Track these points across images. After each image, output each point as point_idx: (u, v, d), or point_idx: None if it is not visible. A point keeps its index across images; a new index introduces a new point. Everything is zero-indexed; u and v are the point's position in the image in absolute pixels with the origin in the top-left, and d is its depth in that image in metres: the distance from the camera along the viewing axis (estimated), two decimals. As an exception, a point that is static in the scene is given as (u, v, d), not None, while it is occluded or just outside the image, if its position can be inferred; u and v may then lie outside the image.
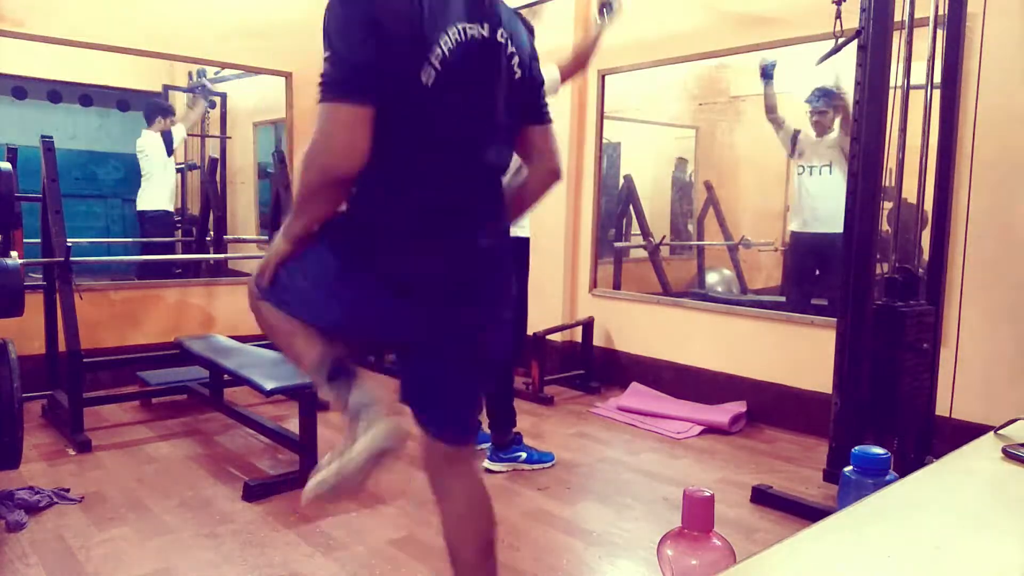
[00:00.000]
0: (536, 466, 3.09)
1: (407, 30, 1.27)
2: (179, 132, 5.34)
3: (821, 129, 4.12)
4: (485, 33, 1.36)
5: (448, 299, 1.44)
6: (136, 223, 5.63)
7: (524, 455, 3.09)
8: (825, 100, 4.07)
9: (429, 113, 1.32)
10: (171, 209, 5.44)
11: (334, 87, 1.26)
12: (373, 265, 1.39)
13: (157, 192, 5.31)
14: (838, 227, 3.98)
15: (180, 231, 5.86)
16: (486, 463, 3.09)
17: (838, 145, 4.06)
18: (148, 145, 5.29)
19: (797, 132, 4.28)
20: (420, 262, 1.40)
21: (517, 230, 3.01)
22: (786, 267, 4.63)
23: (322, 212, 1.37)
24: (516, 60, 1.43)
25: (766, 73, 4.20)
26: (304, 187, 1.34)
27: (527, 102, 1.51)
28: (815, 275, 4.24)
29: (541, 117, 1.56)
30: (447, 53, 1.29)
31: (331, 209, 1.37)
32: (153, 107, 5.34)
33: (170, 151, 5.28)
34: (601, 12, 2.90)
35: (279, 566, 2.23)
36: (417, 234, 1.39)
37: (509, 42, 1.41)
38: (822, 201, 4.12)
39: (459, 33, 1.31)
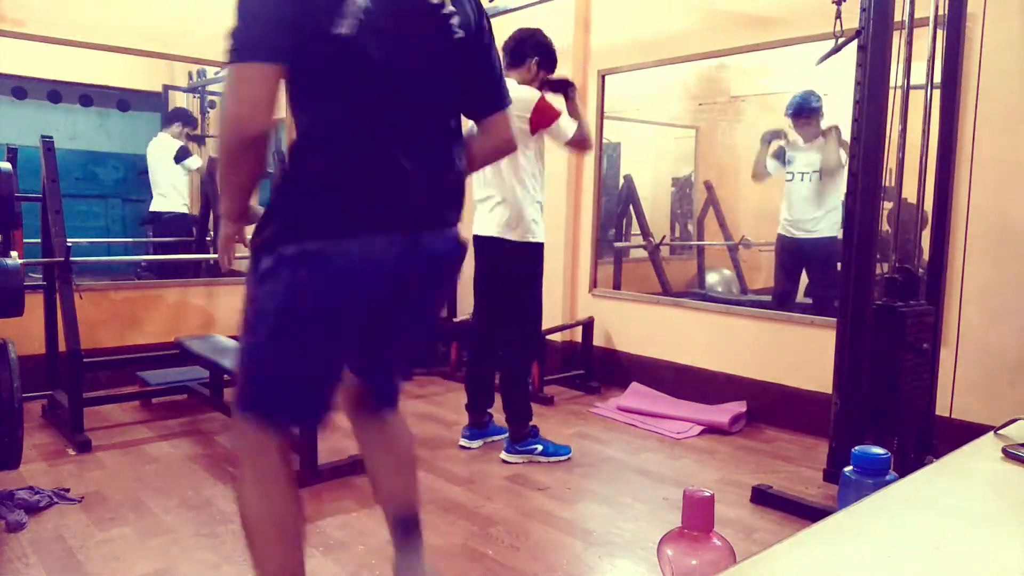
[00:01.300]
0: (552, 458, 3.11)
1: None
2: (194, 162, 5.34)
3: (808, 134, 4.13)
4: None
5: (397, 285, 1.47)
6: (139, 223, 5.64)
7: (540, 447, 3.12)
8: (806, 108, 4.08)
9: (355, 60, 1.32)
10: (186, 212, 5.44)
11: (241, 49, 1.28)
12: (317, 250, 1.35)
13: (165, 197, 5.33)
14: (823, 232, 4.08)
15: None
16: (503, 455, 3.12)
17: (826, 148, 4.06)
18: (159, 148, 5.30)
19: (781, 149, 4.31)
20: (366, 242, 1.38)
21: (528, 235, 3.03)
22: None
23: (245, 181, 1.37)
24: (456, 20, 1.43)
25: (779, 155, 4.31)
26: (223, 155, 1.34)
27: (478, 80, 1.53)
28: (797, 278, 4.27)
29: (501, 102, 1.59)
30: (364, 3, 1.30)
31: (252, 177, 1.36)
32: (176, 114, 5.36)
33: (177, 160, 5.28)
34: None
35: (279, 566, 2.22)
36: (356, 203, 1.36)
37: (447, 2, 1.42)
38: (809, 207, 4.14)
39: None
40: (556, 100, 3.15)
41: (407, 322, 1.61)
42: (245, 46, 1.27)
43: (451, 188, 1.53)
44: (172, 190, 5.31)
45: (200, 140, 5.64)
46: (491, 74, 1.57)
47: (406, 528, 1.75)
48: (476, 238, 3.13)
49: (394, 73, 1.37)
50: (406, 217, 1.43)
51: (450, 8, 1.43)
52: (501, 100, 1.61)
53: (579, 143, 3.12)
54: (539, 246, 3.13)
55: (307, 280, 1.35)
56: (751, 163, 4.53)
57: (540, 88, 3.12)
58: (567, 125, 3.07)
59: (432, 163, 1.46)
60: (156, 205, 5.34)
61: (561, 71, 4.33)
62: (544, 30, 3.18)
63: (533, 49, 3.09)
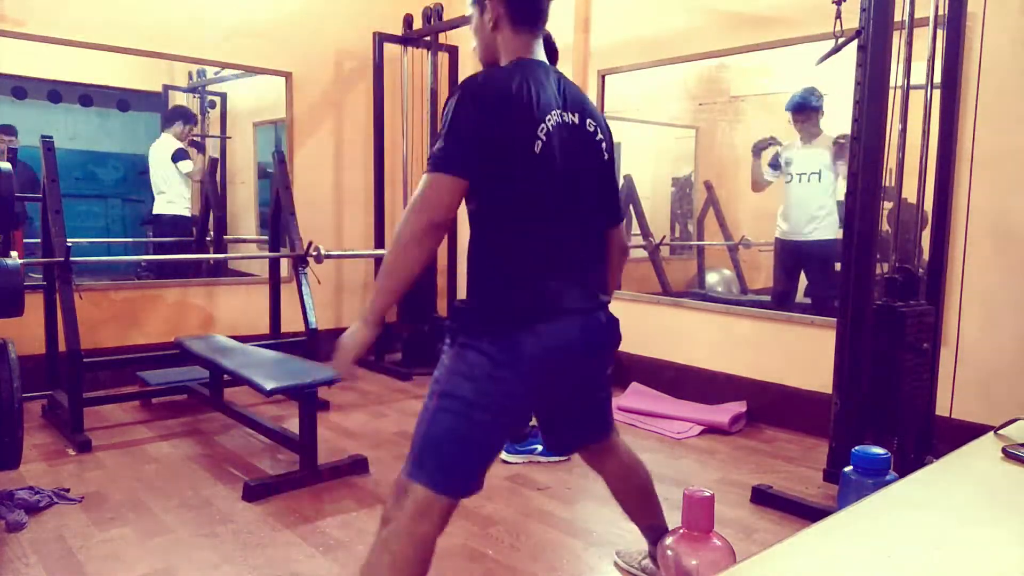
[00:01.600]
0: (552, 458, 3.11)
1: (521, 115, 1.56)
2: (187, 166, 5.31)
3: (807, 132, 4.10)
4: (576, 120, 1.67)
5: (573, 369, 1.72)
6: (140, 223, 5.64)
7: (540, 447, 3.12)
8: (809, 103, 4.07)
9: (540, 180, 1.59)
10: (187, 214, 5.43)
11: (443, 163, 1.52)
12: (518, 345, 1.58)
13: (172, 197, 5.32)
14: (822, 235, 4.08)
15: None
16: (503, 455, 3.12)
17: (828, 148, 4.04)
18: (161, 149, 5.30)
19: (776, 156, 4.31)
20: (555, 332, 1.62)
21: None
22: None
23: (406, 275, 1.56)
24: (604, 145, 1.76)
25: (774, 163, 4.31)
26: (395, 246, 1.55)
27: (610, 195, 1.81)
28: (797, 278, 4.27)
29: (619, 216, 1.88)
30: (551, 129, 1.59)
31: (413, 274, 1.56)
32: (175, 112, 5.34)
33: (174, 159, 5.26)
34: None
35: (279, 566, 2.23)
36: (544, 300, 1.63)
37: (597, 130, 1.74)
38: (808, 210, 4.13)
39: (558, 116, 1.62)
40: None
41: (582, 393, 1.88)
42: (445, 160, 1.52)
43: (601, 278, 1.79)
44: (174, 192, 5.31)
45: (200, 147, 5.62)
46: (616, 190, 1.87)
47: (655, 536, 2.04)
48: None
49: (569, 182, 1.64)
50: (577, 303, 1.68)
51: (600, 135, 1.74)
52: (619, 214, 1.88)
53: None
54: None
55: (515, 370, 1.58)
56: (751, 163, 4.53)
57: None
58: None
59: (592, 260, 1.75)
60: (158, 208, 5.35)
61: (561, 70, 4.32)
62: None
63: None
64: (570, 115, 1.66)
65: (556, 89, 1.66)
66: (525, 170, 1.57)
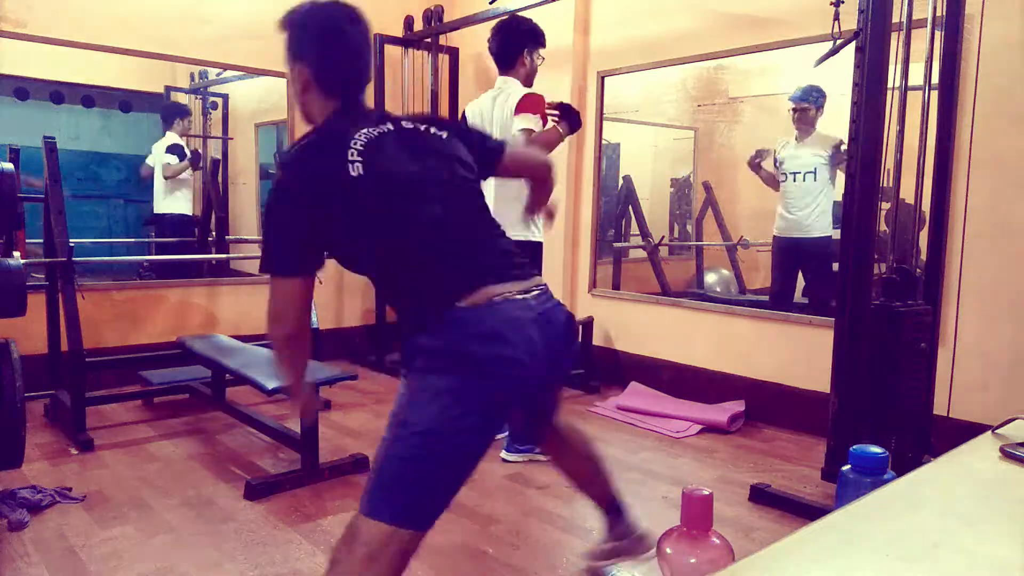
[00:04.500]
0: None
1: (327, 167, 1.49)
2: (173, 161, 5.31)
3: (803, 130, 4.13)
4: (390, 127, 1.58)
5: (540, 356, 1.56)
6: (141, 223, 5.64)
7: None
8: (811, 97, 4.09)
9: (380, 197, 1.50)
10: (189, 213, 5.45)
11: (270, 264, 1.50)
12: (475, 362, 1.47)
13: (175, 197, 5.33)
14: (818, 232, 4.09)
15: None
16: (503, 454, 3.13)
17: (826, 145, 4.07)
18: (158, 149, 5.31)
19: (774, 155, 4.33)
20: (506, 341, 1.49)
21: (528, 235, 3.05)
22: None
23: (295, 364, 1.62)
24: (432, 128, 1.64)
25: (776, 163, 4.33)
26: (274, 348, 1.61)
27: (474, 154, 1.70)
28: (795, 275, 4.28)
29: (492, 157, 1.80)
30: (361, 148, 1.50)
31: (301, 361, 1.62)
32: (169, 109, 5.35)
33: (181, 157, 5.29)
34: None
35: (281, 564, 2.24)
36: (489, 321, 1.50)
37: (417, 124, 1.63)
38: (803, 208, 4.15)
39: (367, 132, 1.53)
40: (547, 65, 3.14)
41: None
42: (276, 263, 1.49)
43: (505, 249, 1.66)
44: (176, 191, 5.32)
45: (196, 159, 5.61)
46: (475, 141, 1.75)
47: (611, 508, 2.04)
48: None
49: (412, 184, 1.54)
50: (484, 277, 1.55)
51: (423, 126, 1.64)
52: (493, 154, 1.80)
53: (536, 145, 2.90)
54: (539, 245, 3.14)
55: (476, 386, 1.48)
56: (758, 174, 4.55)
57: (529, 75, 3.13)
58: (522, 122, 2.96)
59: (481, 235, 1.63)
60: (160, 207, 5.35)
61: (561, 72, 4.35)
62: (539, 24, 3.17)
63: (518, 41, 3.09)
64: (386, 125, 1.57)
65: (367, 116, 1.59)
66: (357, 200, 1.48)
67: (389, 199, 1.51)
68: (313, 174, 1.49)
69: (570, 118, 3.04)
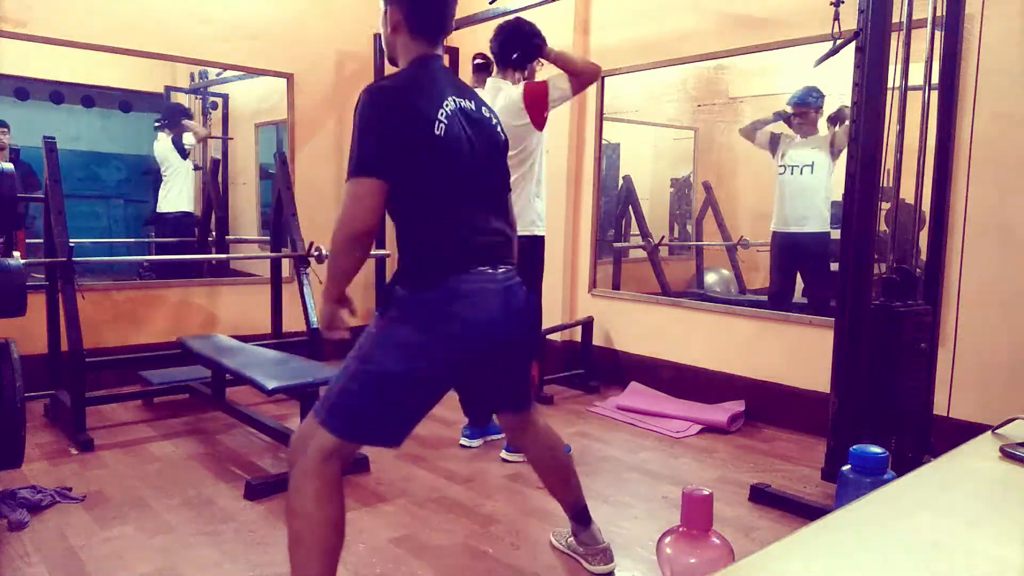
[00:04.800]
0: None
1: (420, 106, 1.69)
2: (188, 139, 5.37)
3: (805, 131, 4.14)
4: (472, 106, 1.82)
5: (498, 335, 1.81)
6: (142, 223, 5.65)
7: None
8: (810, 100, 4.10)
9: (447, 155, 1.71)
10: (191, 211, 5.46)
11: (359, 167, 1.65)
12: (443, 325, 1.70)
13: (176, 194, 5.34)
14: (814, 227, 4.09)
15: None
16: (503, 454, 3.14)
17: (825, 144, 4.08)
18: (164, 149, 5.32)
19: (777, 135, 4.33)
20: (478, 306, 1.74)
21: (533, 228, 3.06)
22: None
23: (350, 268, 1.74)
24: (498, 126, 1.90)
25: (773, 142, 4.36)
26: (336, 246, 1.71)
27: (504, 168, 1.94)
28: (794, 274, 4.28)
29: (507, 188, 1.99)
30: (449, 112, 1.72)
31: (356, 266, 1.74)
32: (169, 110, 5.37)
33: (184, 154, 5.31)
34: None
35: (281, 564, 2.23)
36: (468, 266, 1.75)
37: (492, 115, 1.89)
38: (800, 201, 4.16)
39: (454, 102, 1.75)
40: (550, 70, 3.15)
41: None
42: (361, 165, 1.65)
43: (505, 235, 1.90)
44: (179, 190, 5.34)
45: (183, 115, 5.61)
46: (507, 168, 1.98)
47: (576, 513, 2.21)
48: None
49: (473, 159, 1.77)
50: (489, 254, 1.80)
51: (493, 119, 1.89)
52: (508, 186, 1.99)
53: (583, 77, 3.08)
54: (542, 240, 3.14)
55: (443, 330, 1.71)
56: (749, 164, 4.55)
57: (523, 70, 3.14)
58: (561, 84, 3.03)
59: (495, 219, 1.86)
60: (162, 206, 5.36)
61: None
62: (537, 26, 3.17)
63: (508, 45, 3.08)
64: (466, 101, 1.80)
65: (451, 82, 1.81)
66: (432, 152, 1.69)
67: (451, 168, 1.72)
68: (412, 106, 1.68)
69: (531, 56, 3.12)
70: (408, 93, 1.71)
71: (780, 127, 4.36)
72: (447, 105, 1.72)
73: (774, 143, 4.33)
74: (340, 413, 1.70)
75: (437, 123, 1.68)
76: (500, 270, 1.80)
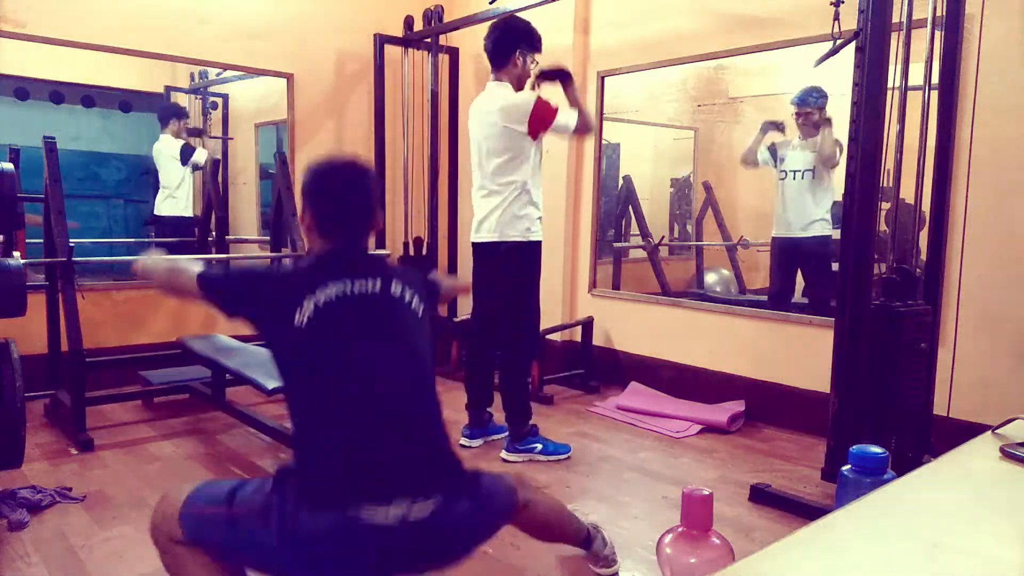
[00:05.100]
0: (552, 457, 3.13)
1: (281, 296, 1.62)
2: (201, 156, 5.36)
3: (807, 131, 4.14)
4: (359, 290, 1.61)
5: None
6: (142, 223, 5.65)
7: (540, 446, 3.13)
8: (811, 100, 4.10)
9: (310, 356, 1.59)
10: (188, 215, 5.46)
11: (209, 281, 1.73)
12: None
13: (173, 202, 5.34)
14: (814, 232, 4.09)
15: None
16: (503, 454, 3.14)
17: (823, 138, 4.08)
18: (163, 150, 5.31)
19: (773, 145, 4.33)
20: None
21: (528, 234, 3.07)
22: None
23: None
24: (413, 300, 1.69)
25: (772, 151, 4.38)
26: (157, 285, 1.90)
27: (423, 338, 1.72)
28: (794, 274, 4.28)
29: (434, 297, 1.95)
30: (321, 303, 1.56)
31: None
32: (166, 110, 5.36)
33: (184, 162, 5.30)
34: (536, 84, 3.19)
35: (281, 565, 2.24)
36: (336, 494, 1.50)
37: (404, 289, 1.67)
38: (801, 206, 4.15)
39: (340, 287, 1.59)
40: (554, 90, 3.16)
41: None
42: (210, 283, 1.72)
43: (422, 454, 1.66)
44: (179, 192, 5.34)
45: (198, 132, 5.62)
46: (426, 335, 1.76)
47: (583, 544, 2.15)
48: (477, 237, 3.15)
49: (352, 363, 1.60)
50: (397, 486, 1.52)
51: (407, 294, 1.68)
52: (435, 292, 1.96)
53: (582, 131, 3.18)
54: (538, 244, 3.15)
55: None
56: (754, 137, 4.54)
57: (537, 80, 3.14)
58: (567, 118, 3.08)
59: (404, 434, 1.62)
60: (161, 208, 5.36)
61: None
62: (537, 26, 3.18)
63: (512, 42, 3.09)
64: (360, 283, 1.61)
65: (355, 269, 1.64)
66: (292, 342, 1.60)
67: (322, 362, 1.59)
68: (274, 291, 1.65)
69: (553, 76, 3.17)
70: (284, 278, 1.76)
71: (772, 137, 4.37)
72: (320, 291, 1.56)
73: (773, 154, 4.34)
74: (190, 509, 1.59)
75: (298, 309, 1.54)
76: (394, 510, 1.47)
